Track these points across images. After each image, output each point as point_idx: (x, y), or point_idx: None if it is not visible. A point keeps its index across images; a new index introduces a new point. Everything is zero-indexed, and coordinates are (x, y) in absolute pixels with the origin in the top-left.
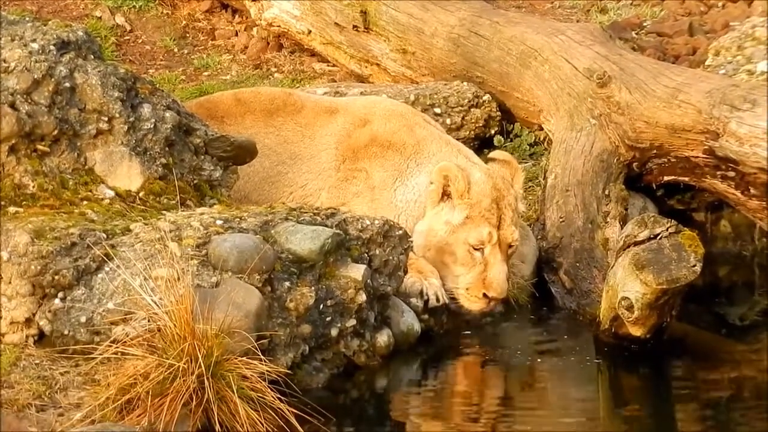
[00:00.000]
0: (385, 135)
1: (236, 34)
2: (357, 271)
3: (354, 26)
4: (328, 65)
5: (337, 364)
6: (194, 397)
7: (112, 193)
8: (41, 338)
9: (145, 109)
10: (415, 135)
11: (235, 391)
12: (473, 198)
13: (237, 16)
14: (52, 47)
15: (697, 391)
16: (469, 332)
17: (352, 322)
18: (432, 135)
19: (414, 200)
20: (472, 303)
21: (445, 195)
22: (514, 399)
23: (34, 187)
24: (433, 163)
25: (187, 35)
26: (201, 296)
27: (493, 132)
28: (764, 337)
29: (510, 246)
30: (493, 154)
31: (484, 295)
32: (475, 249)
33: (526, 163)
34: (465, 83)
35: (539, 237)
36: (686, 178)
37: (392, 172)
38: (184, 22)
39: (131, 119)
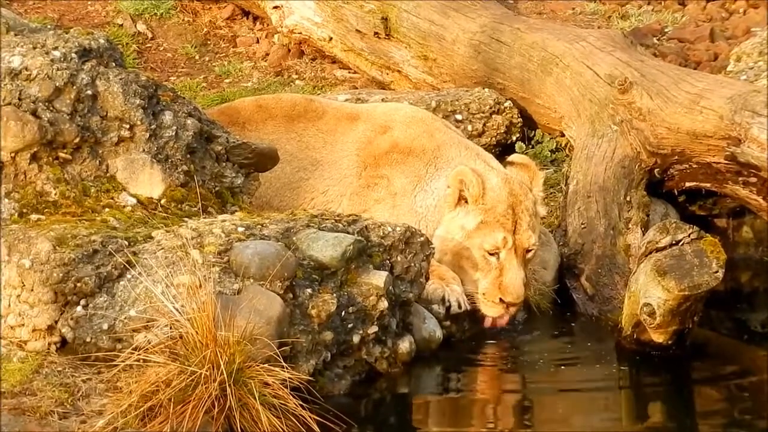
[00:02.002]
0: (405, 141)
1: (257, 41)
2: (379, 278)
3: (375, 33)
4: (349, 72)
5: (358, 370)
6: (216, 404)
7: (133, 201)
8: (63, 345)
9: (167, 117)
10: (435, 140)
11: (257, 397)
12: (488, 203)
13: (258, 23)
14: (73, 55)
15: (719, 397)
16: (490, 339)
17: (374, 328)
18: (451, 140)
19: (433, 205)
20: (489, 308)
21: (462, 199)
22: (534, 406)
23: (56, 194)
24: (451, 168)
25: (209, 42)
26: (223, 303)
27: (514, 138)
28: None
29: (528, 251)
30: (512, 157)
31: (501, 300)
32: (491, 254)
33: (547, 169)
34: (486, 90)
35: (561, 243)
36: (708, 184)
37: (412, 178)
38: (205, 30)
39: (153, 126)
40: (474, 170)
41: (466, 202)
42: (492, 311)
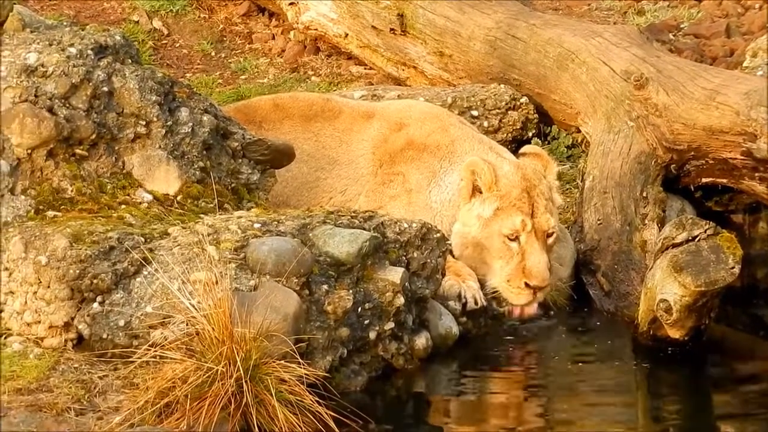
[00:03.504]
0: (420, 138)
1: (273, 38)
2: (395, 274)
3: (391, 29)
4: (365, 68)
5: (375, 367)
6: (233, 401)
7: (150, 197)
8: (80, 342)
9: (183, 113)
10: (449, 135)
11: (273, 394)
12: (502, 189)
13: (274, 20)
14: (89, 52)
15: (736, 393)
16: (507, 335)
17: (390, 325)
18: (465, 134)
19: (448, 200)
20: (516, 296)
21: (476, 190)
22: (551, 403)
23: (72, 191)
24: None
25: (225, 39)
26: (239, 300)
27: (530, 134)
28: None
29: (548, 235)
30: (524, 149)
31: (527, 285)
32: (511, 240)
33: (563, 165)
34: (502, 86)
35: (577, 239)
36: (724, 180)
37: (427, 174)
38: (221, 26)
39: (169, 123)
40: (484, 159)
41: (480, 192)
42: (519, 299)
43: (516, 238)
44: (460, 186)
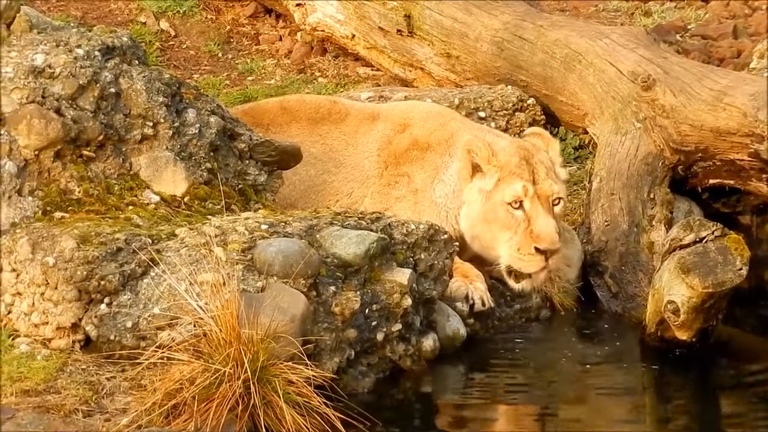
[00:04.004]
0: (423, 137)
1: (280, 39)
2: (402, 276)
3: (398, 30)
4: (372, 69)
5: (382, 368)
6: (240, 402)
7: (157, 198)
8: (87, 343)
9: (190, 114)
10: (449, 129)
11: (281, 395)
12: (501, 160)
13: (281, 21)
14: (97, 53)
15: (744, 395)
16: (514, 336)
17: (398, 326)
18: (465, 126)
19: (452, 191)
20: (527, 263)
21: (475, 169)
22: (559, 404)
23: (79, 192)
24: None
25: (232, 40)
26: (246, 301)
27: None
28: None
29: (554, 204)
30: (527, 130)
31: (537, 250)
32: (515, 208)
33: (571, 166)
34: (509, 87)
35: (584, 241)
36: (731, 181)
37: (431, 172)
38: (228, 27)
39: (176, 124)
40: (477, 137)
41: (480, 170)
42: (530, 266)
43: (520, 206)
44: (459, 168)
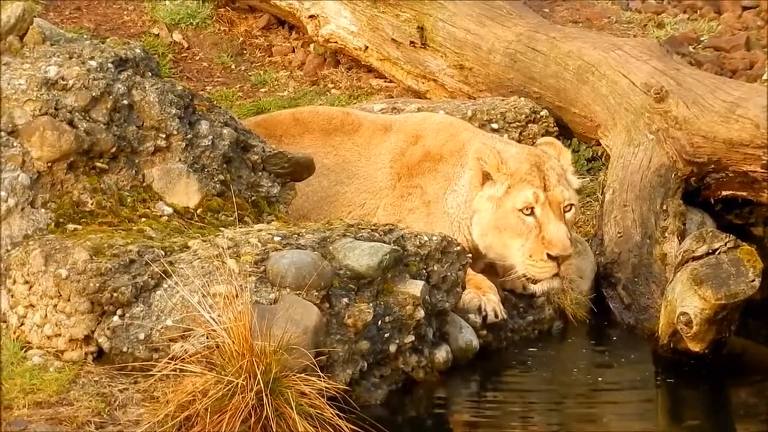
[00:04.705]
0: (435, 148)
1: (293, 51)
2: (415, 287)
3: (411, 42)
4: (385, 81)
5: (395, 380)
6: (253, 414)
7: (170, 210)
8: (100, 355)
9: (203, 126)
10: (460, 139)
11: (293, 407)
12: (511, 167)
13: (294, 33)
14: (110, 65)
15: (757, 406)
16: (527, 348)
17: (411, 338)
18: (476, 136)
19: (464, 201)
20: (540, 270)
21: (486, 177)
22: (572, 416)
23: (92, 204)
24: None
25: (245, 52)
26: (259, 313)
27: None
28: None
29: (565, 210)
30: (539, 140)
31: (549, 256)
32: (526, 215)
33: (584, 178)
34: (522, 99)
35: (597, 252)
36: (744, 193)
37: (443, 183)
38: (241, 39)
39: (189, 136)
40: (488, 145)
41: (490, 178)
42: (543, 272)
43: (531, 212)
44: (470, 176)
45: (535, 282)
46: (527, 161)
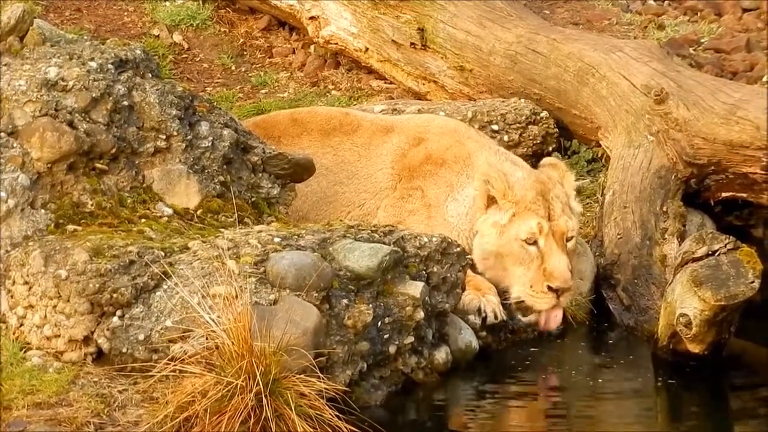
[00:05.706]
0: (438, 152)
1: (293, 52)
2: (415, 289)
3: (411, 43)
4: (385, 82)
5: (395, 381)
6: (252, 415)
7: (170, 211)
8: (100, 356)
9: (203, 127)
10: (466, 148)
11: (293, 408)
12: (517, 194)
13: (294, 34)
14: (110, 66)
15: (756, 408)
16: (526, 349)
17: (410, 339)
18: (482, 147)
19: (464, 213)
20: (539, 301)
21: (491, 200)
22: (572, 417)
23: (92, 205)
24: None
25: (245, 53)
26: (259, 314)
27: (550, 149)
28: None
29: (568, 239)
30: (543, 161)
31: (549, 288)
32: (529, 244)
33: (584, 179)
34: (522, 100)
35: (597, 254)
36: (744, 195)
37: (445, 188)
38: (241, 40)
39: (189, 137)
40: (496, 168)
41: (496, 202)
42: (543, 303)
43: (534, 242)
44: (475, 197)
45: (529, 312)
46: (533, 188)
